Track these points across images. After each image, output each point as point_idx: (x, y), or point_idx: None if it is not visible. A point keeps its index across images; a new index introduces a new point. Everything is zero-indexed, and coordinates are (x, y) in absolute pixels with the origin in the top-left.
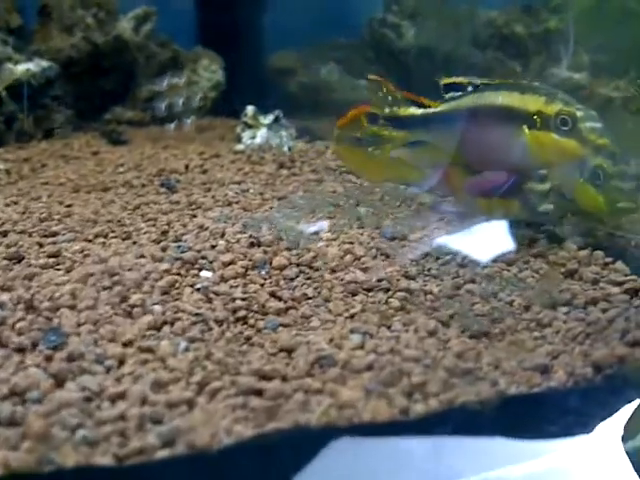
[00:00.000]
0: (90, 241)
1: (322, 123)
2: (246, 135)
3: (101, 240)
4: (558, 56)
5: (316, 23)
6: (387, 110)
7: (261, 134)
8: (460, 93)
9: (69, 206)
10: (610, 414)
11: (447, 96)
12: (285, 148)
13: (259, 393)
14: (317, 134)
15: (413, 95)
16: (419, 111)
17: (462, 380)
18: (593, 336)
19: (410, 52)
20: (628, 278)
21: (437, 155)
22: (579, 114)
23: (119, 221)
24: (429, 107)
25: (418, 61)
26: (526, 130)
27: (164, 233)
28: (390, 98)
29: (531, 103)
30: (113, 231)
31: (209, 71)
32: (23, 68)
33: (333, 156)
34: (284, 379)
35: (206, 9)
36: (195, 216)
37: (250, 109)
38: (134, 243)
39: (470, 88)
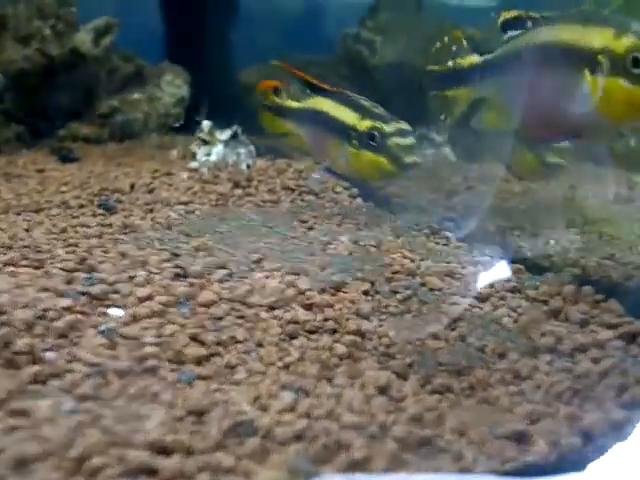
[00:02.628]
0: None
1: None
2: (201, 152)
3: (10, 269)
4: None
5: (289, 39)
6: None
7: (217, 151)
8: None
9: None
10: None
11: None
12: (243, 166)
13: (152, 473)
14: (282, 152)
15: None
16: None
17: (417, 454)
18: (582, 394)
19: (384, 68)
20: (623, 320)
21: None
22: (387, 129)
23: (36, 247)
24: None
25: (393, 77)
26: (588, 76)
27: (82, 261)
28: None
29: (596, 38)
30: (26, 258)
31: (173, 86)
32: None
33: (294, 175)
34: (188, 453)
35: (175, 24)
36: (123, 242)
37: (206, 124)
38: (45, 273)
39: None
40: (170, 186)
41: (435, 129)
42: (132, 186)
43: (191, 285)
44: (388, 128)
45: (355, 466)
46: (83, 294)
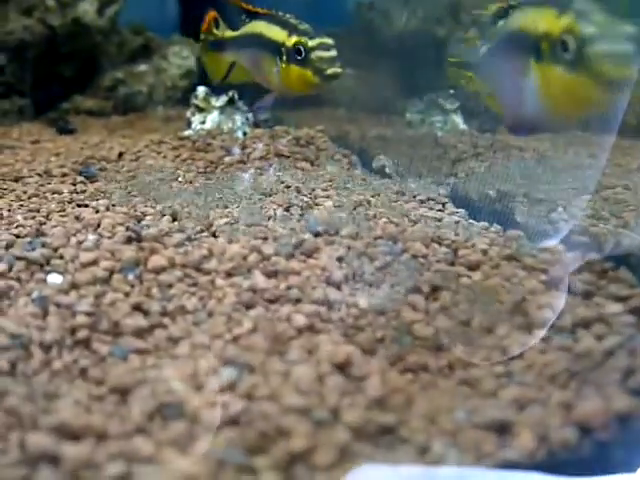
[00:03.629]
0: None
1: (296, 113)
2: (196, 119)
3: None
4: None
5: (304, 11)
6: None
7: (212, 118)
8: None
9: None
10: None
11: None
12: (239, 133)
13: (54, 461)
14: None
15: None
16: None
17: (372, 444)
18: (581, 376)
19: (398, 37)
20: (634, 291)
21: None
22: (310, 44)
23: None
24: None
25: (407, 46)
26: (533, 64)
27: (40, 226)
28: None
29: (542, 21)
30: None
31: (179, 57)
32: None
33: (288, 143)
34: (100, 438)
35: None
36: (86, 206)
37: (201, 90)
38: None
39: None
40: (158, 154)
41: (445, 96)
42: (120, 154)
43: (141, 249)
44: (312, 43)
45: (294, 458)
46: (19, 259)
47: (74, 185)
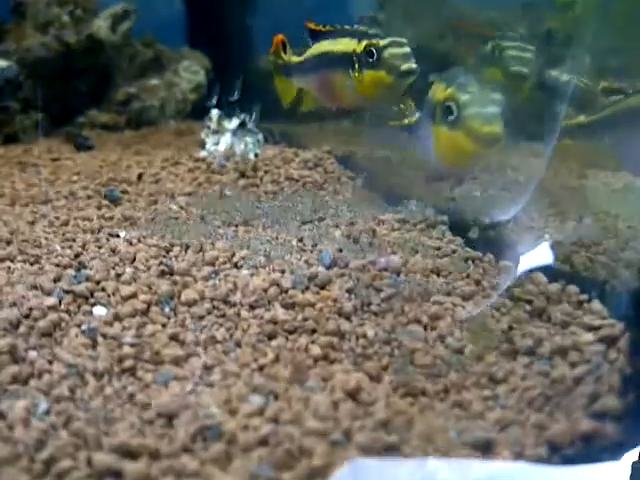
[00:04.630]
0: None
1: (302, 128)
2: (210, 141)
3: (7, 264)
4: (558, 57)
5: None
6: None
7: (225, 140)
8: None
9: None
10: None
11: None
12: (251, 155)
13: (117, 475)
14: (294, 141)
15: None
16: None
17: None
18: (555, 400)
19: None
20: (605, 322)
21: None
22: (382, 43)
23: (35, 241)
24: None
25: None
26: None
27: (76, 257)
28: None
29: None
30: (24, 253)
31: (190, 72)
32: None
33: (298, 165)
34: (153, 456)
35: (195, 9)
36: (118, 235)
37: (214, 113)
38: (40, 269)
39: None
40: (176, 176)
41: None
42: (140, 176)
43: (174, 283)
44: (383, 42)
45: (315, 473)
46: (67, 292)
47: (99, 209)
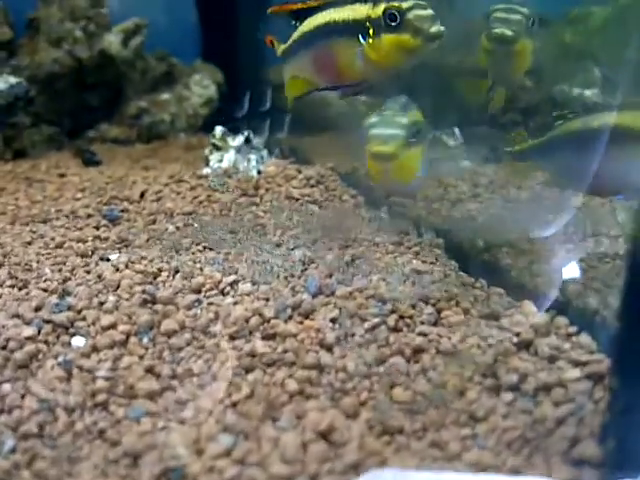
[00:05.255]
0: None
1: (312, 141)
2: (214, 158)
3: None
4: (569, 71)
5: None
6: None
7: (229, 157)
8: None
9: None
10: None
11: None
12: (253, 172)
13: None
14: (301, 155)
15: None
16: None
17: None
18: (534, 443)
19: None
20: (593, 358)
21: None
22: (404, 5)
23: (27, 264)
24: None
25: (423, 74)
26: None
27: (64, 281)
28: None
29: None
30: (13, 277)
31: (201, 86)
32: None
33: (299, 183)
34: None
35: (209, 21)
36: (108, 259)
37: (218, 130)
38: (26, 294)
39: None
40: (178, 194)
41: (449, 133)
42: (142, 194)
43: (156, 312)
44: (406, 4)
45: None
46: (47, 322)
47: (97, 229)
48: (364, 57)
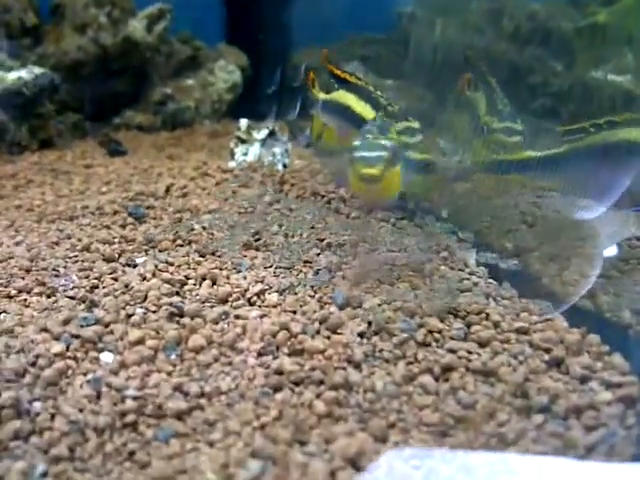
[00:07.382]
0: (11, 297)
1: None
2: (239, 151)
3: (23, 297)
4: (603, 56)
5: (348, 18)
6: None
7: (254, 150)
8: None
9: (18, 243)
10: None
11: None
12: (279, 166)
13: None
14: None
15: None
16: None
17: None
18: None
19: (440, 49)
20: (626, 379)
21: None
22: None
23: (54, 270)
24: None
25: (448, 58)
26: None
27: (92, 290)
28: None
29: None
30: (42, 284)
31: (226, 72)
32: (14, 76)
33: (326, 179)
34: None
35: (234, 5)
36: (135, 265)
37: (243, 122)
38: (54, 303)
39: None
40: (203, 190)
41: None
42: (167, 189)
43: (183, 327)
44: (399, 126)
45: None
46: (75, 337)
47: (124, 228)
48: None
